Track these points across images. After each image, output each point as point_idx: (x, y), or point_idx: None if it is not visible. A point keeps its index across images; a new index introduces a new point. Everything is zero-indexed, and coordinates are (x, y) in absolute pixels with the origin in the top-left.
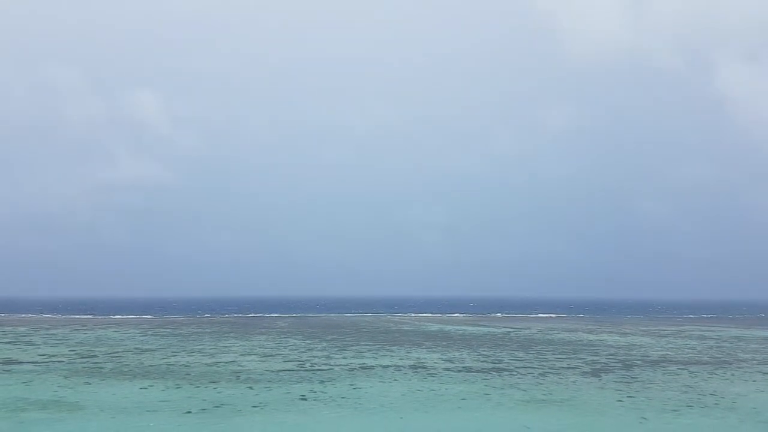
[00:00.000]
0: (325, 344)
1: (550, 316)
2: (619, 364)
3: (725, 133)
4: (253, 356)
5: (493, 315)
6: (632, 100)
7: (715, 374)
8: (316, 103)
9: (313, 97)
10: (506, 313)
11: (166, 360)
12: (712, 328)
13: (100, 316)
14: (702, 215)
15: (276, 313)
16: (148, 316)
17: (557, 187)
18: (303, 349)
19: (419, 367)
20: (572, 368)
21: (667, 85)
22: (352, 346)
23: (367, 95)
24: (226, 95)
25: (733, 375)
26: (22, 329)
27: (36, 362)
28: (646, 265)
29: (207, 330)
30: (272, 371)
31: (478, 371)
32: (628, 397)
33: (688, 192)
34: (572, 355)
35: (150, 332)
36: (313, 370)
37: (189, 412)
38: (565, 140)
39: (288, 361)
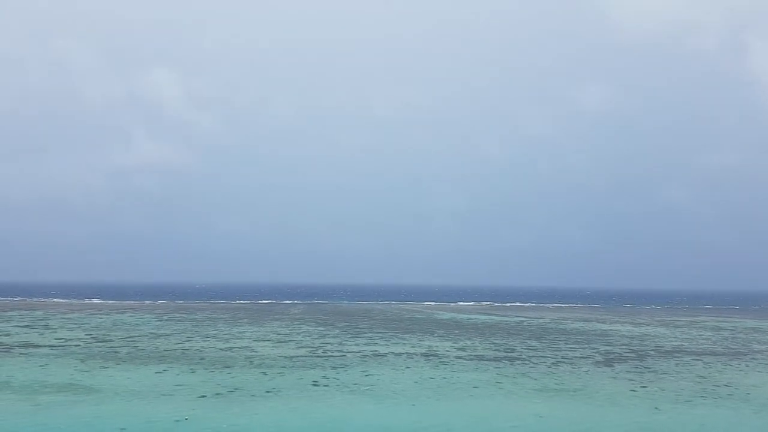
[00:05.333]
0: (337, 331)
1: (564, 306)
2: (633, 354)
3: (757, 118)
4: (266, 342)
5: (506, 304)
6: (666, 82)
7: (730, 365)
8: (340, 85)
9: (336, 79)
10: (520, 303)
11: (180, 345)
12: (728, 319)
13: (115, 300)
14: (727, 204)
15: (289, 299)
16: (163, 302)
17: (581, 173)
18: (316, 336)
19: (431, 355)
20: (585, 358)
21: (702, 66)
22: (365, 333)
23: (390, 76)
24: (247, 77)
25: (747, 366)
26: (38, 313)
27: (53, 346)
28: (668, 255)
29: (221, 316)
30: (285, 357)
31: (490, 360)
32: (641, 387)
33: (714, 180)
34: (585, 345)
35: (165, 317)
36: (326, 356)
37: (204, 396)
38: (593, 123)
39: (301, 347)
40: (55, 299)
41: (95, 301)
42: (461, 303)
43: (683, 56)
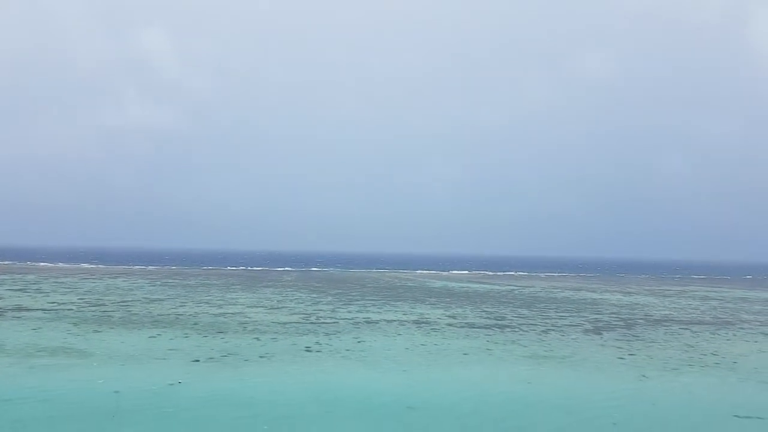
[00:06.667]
0: (330, 298)
1: (556, 275)
2: (621, 323)
3: (758, 89)
4: (259, 308)
5: (498, 273)
6: (667, 52)
7: (718, 334)
8: (339, 46)
9: (335, 40)
10: (513, 271)
11: (174, 310)
12: (717, 289)
13: (107, 265)
14: (724, 175)
15: (282, 267)
16: (156, 267)
17: (577, 143)
18: (309, 303)
19: (422, 322)
20: (574, 326)
21: (705, 36)
22: (357, 300)
23: (390, 44)
24: (242, 37)
25: (735, 335)
26: (30, 277)
27: (45, 309)
28: (663, 225)
29: (214, 282)
30: (278, 323)
31: (480, 327)
32: (629, 354)
33: (712, 151)
34: (575, 313)
35: (158, 282)
36: (319, 323)
37: (197, 361)
38: (591, 93)
39: (294, 313)
40: (43, 263)
41: (87, 265)
42: (454, 271)
43: (686, 26)
